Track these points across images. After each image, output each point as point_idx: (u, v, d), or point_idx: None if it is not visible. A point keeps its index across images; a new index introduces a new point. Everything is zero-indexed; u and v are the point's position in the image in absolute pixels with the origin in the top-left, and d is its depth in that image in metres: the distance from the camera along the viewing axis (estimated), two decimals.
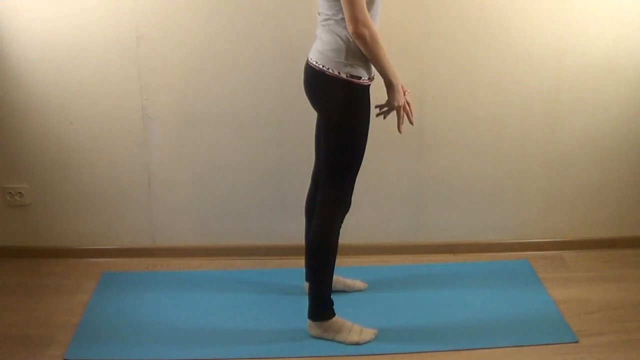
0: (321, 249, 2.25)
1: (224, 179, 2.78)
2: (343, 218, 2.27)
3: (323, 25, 2.10)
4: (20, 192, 2.77)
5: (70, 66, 2.59)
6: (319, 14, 2.14)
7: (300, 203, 2.48)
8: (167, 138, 2.72)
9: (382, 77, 2.08)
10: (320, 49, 2.09)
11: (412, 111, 2.17)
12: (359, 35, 1.95)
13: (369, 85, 2.11)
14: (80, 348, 2.24)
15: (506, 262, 2.86)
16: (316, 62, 2.09)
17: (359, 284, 2.60)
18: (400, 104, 2.12)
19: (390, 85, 2.08)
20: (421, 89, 2.45)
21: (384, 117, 2.19)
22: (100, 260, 2.82)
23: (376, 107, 2.18)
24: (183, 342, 2.28)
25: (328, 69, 2.06)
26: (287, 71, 2.54)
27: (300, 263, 2.59)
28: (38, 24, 2.53)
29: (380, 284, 2.65)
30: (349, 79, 2.05)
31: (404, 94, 2.13)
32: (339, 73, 2.05)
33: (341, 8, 1.99)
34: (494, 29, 2.63)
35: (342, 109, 2.10)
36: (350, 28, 1.96)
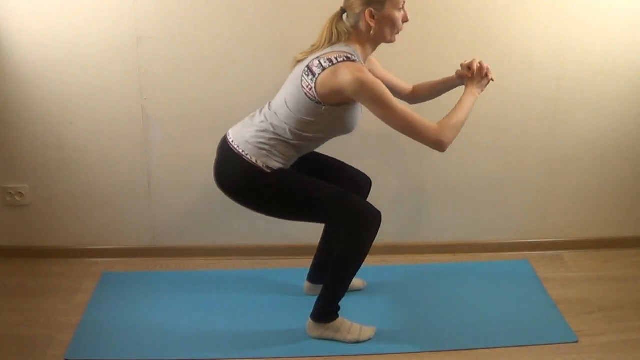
0: (349, 263, 2.20)
1: None
2: (375, 231, 2.16)
3: (266, 120, 2.11)
4: (20, 192, 2.77)
5: (70, 66, 2.59)
6: (269, 107, 2.14)
7: None
8: (167, 138, 2.72)
9: None
10: (250, 139, 2.10)
11: (489, 71, 2.17)
12: (447, 147, 2.03)
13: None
14: (80, 348, 2.24)
15: (506, 262, 2.86)
16: (237, 147, 2.11)
17: (358, 283, 2.60)
18: (484, 88, 2.18)
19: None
20: None
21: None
22: (100, 260, 2.82)
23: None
24: (183, 342, 2.28)
25: (247, 155, 2.09)
26: (286, 71, 2.53)
27: (300, 263, 2.59)
28: (38, 24, 2.53)
29: (380, 284, 2.65)
30: (263, 168, 2.08)
31: (482, 74, 2.16)
32: (256, 161, 2.08)
33: (301, 122, 2.03)
34: (494, 29, 2.63)
35: (253, 192, 2.13)
36: (439, 151, 2.03)
